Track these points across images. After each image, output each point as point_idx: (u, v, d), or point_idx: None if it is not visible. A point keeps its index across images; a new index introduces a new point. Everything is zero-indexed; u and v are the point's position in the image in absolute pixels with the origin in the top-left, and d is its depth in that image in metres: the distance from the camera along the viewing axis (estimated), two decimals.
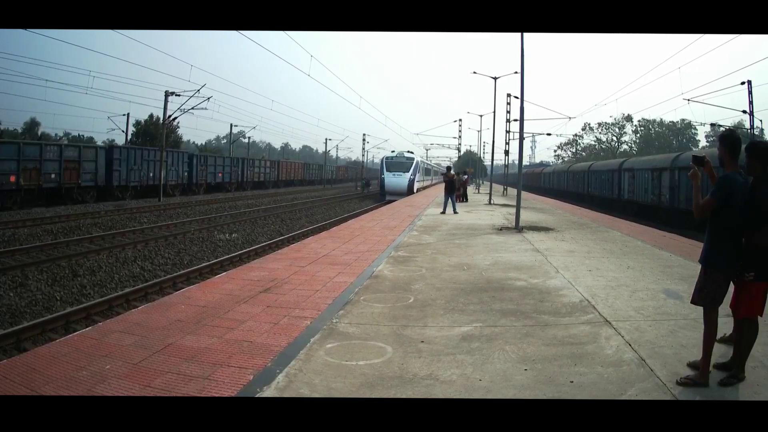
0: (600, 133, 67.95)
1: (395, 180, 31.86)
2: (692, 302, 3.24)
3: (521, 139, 13.71)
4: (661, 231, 12.75)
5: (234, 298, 5.17)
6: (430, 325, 4.37)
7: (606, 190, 27.59)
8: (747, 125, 27.48)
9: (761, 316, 3.13)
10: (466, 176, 27.17)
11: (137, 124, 41.10)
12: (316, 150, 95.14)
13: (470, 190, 27.56)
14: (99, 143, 35.30)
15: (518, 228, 11.29)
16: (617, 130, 67.55)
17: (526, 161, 54.55)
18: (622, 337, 3.94)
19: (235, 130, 50.88)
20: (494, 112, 27.01)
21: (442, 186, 19.98)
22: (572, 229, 11.81)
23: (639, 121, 65.70)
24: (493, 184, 31.34)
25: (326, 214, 23.06)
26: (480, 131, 61.60)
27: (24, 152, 19.44)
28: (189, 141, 68.83)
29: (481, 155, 49.54)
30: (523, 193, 15.68)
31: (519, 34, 12.04)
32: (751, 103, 23.41)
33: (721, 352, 3.32)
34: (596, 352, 3.66)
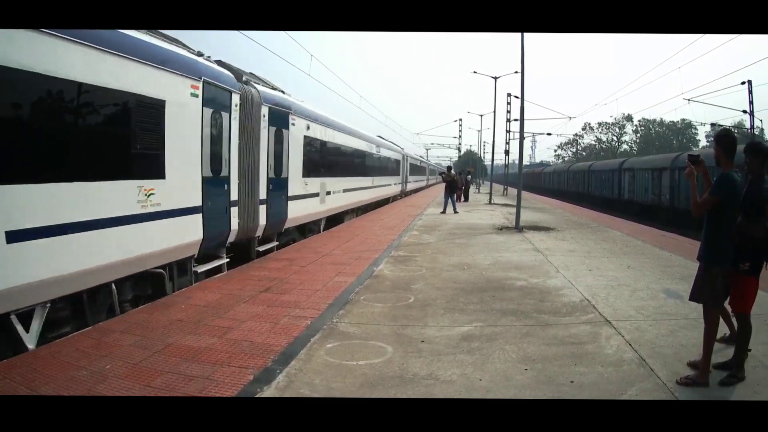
0: (600, 132, 67.86)
1: None
2: (691, 299, 3.25)
3: (521, 138, 13.72)
4: (661, 231, 12.77)
5: (234, 298, 5.17)
6: (431, 324, 4.37)
7: (606, 190, 27.58)
8: (747, 125, 27.46)
9: (749, 312, 3.17)
10: (469, 176, 27.10)
11: None
12: None
13: (471, 189, 27.54)
14: None
15: (518, 228, 11.29)
16: (617, 129, 67.45)
17: (526, 161, 54.43)
18: (623, 336, 3.94)
19: None
20: (494, 111, 27.15)
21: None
22: (572, 229, 11.82)
23: (639, 121, 65.58)
24: (494, 184, 31.32)
25: None
26: (480, 131, 61.57)
27: None
28: None
29: (482, 155, 49.59)
30: (524, 193, 15.69)
31: (519, 34, 12.07)
32: (751, 103, 23.33)
33: (721, 352, 3.33)
34: (596, 351, 3.67)
